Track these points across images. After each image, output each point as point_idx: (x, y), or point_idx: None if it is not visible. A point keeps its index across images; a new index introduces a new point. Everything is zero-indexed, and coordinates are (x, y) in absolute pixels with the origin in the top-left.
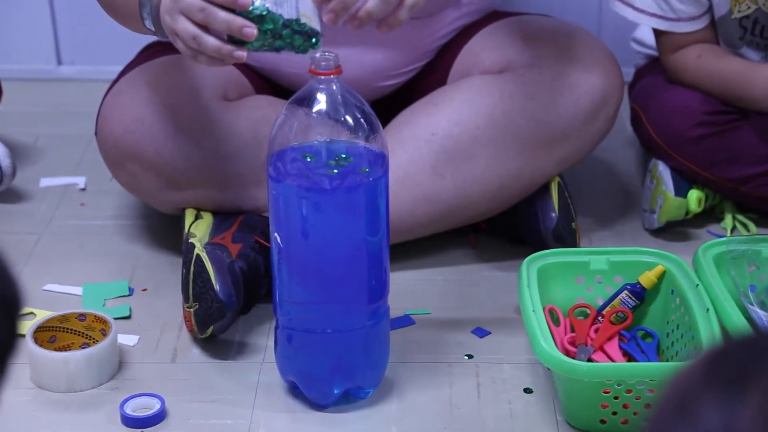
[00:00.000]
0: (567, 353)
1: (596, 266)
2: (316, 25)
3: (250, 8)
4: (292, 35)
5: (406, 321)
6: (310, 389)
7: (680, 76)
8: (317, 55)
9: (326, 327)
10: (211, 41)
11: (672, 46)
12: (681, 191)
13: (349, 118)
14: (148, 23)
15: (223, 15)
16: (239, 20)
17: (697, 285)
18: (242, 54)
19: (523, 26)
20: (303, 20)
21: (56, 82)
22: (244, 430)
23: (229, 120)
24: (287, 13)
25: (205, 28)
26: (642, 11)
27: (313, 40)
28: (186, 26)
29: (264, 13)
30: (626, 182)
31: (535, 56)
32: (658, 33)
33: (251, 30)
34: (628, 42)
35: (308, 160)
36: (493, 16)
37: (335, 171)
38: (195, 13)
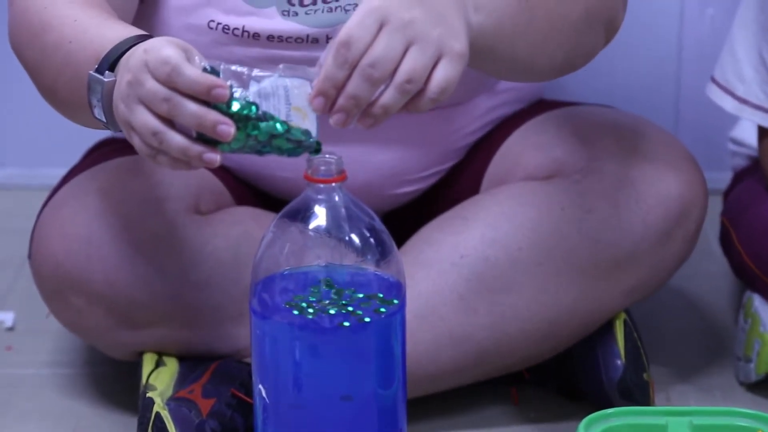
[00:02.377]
0: None
1: (676, 430)
2: (311, 122)
3: (231, 102)
4: (284, 141)
5: None
6: None
7: None
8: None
9: None
10: (176, 139)
11: None
12: None
13: (355, 237)
14: (98, 112)
15: (192, 108)
16: (213, 115)
17: None
18: (214, 157)
19: (577, 119)
20: (295, 117)
21: None
22: None
23: (203, 238)
24: (275, 108)
25: (169, 121)
26: (745, 102)
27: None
28: (145, 119)
29: (246, 113)
30: (715, 320)
31: (593, 158)
32: (763, 132)
33: (227, 128)
34: (713, 141)
35: (303, 290)
36: (538, 107)
37: (338, 305)
38: (158, 104)
